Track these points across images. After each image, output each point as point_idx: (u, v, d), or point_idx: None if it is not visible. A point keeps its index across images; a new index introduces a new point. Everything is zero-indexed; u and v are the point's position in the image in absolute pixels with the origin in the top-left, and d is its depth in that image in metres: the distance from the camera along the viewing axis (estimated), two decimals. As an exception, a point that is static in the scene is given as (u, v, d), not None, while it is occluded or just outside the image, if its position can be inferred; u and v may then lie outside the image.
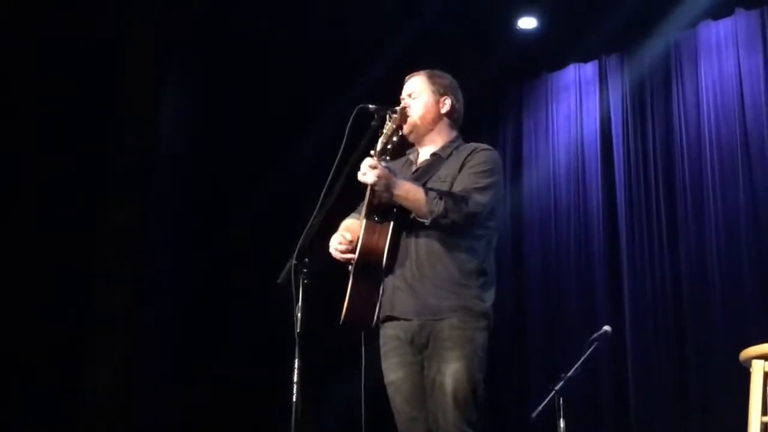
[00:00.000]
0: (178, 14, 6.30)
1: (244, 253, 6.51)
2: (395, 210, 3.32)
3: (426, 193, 3.24)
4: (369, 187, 3.26)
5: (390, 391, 3.35)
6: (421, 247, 3.30)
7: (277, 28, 6.52)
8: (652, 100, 6.32)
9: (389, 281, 3.33)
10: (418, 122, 3.47)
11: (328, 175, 3.16)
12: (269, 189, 6.58)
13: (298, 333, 3.00)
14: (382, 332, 3.39)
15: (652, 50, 6.31)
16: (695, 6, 5.99)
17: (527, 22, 6.61)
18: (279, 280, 3.10)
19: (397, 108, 3.37)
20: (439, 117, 3.52)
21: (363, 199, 3.49)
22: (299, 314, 3.01)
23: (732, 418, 3.93)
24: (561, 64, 6.85)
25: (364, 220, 3.29)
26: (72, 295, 5.70)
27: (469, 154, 3.41)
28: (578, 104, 6.69)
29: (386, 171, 3.21)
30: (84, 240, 5.81)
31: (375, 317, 3.35)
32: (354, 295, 3.31)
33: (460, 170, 3.37)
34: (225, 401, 6.37)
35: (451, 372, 3.19)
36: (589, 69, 6.73)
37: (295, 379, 2.95)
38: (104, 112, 6.03)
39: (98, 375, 5.73)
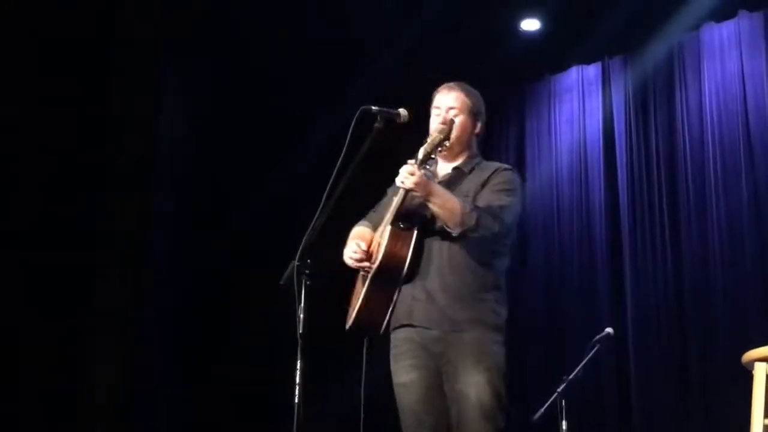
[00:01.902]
0: (178, 14, 6.29)
1: (244, 253, 6.50)
2: (420, 218, 3.34)
3: (461, 205, 3.26)
4: (401, 194, 3.27)
5: (400, 392, 3.36)
6: (443, 258, 3.32)
7: (277, 28, 6.51)
8: (655, 102, 6.32)
9: (406, 290, 3.34)
10: (454, 141, 3.48)
11: (329, 176, 3.15)
12: (269, 189, 6.57)
13: (300, 334, 2.99)
14: (393, 335, 3.40)
15: (655, 52, 6.30)
16: (698, 8, 5.98)
17: (530, 24, 6.61)
18: (281, 282, 3.09)
19: (442, 123, 3.41)
20: (472, 137, 3.56)
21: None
22: (302, 315, 3.01)
23: (734, 420, 3.92)
24: (564, 66, 6.85)
25: (389, 227, 3.30)
26: (72, 295, 5.69)
27: (492, 173, 3.46)
28: (581, 106, 6.69)
29: (425, 178, 3.23)
30: (84, 240, 5.80)
31: (384, 325, 3.37)
32: (367, 301, 3.33)
33: (482, 186, 3.41)
34: (225, 401, 6.36)
35: (477, 385, 3.22)
36: (592, 71, 6.72)
37: (298, 379, 2.95)
38: (104, 112, 6.02)
39: (98, 375, 5.72)
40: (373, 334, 3.36)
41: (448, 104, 3.52)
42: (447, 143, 3.32)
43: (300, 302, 3.01)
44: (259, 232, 6.51)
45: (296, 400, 2.93)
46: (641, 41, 6.35)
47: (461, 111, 3.51)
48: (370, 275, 3.32)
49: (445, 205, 3.25)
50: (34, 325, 5.48)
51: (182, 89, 6.49)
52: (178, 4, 6.28)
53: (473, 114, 3.53)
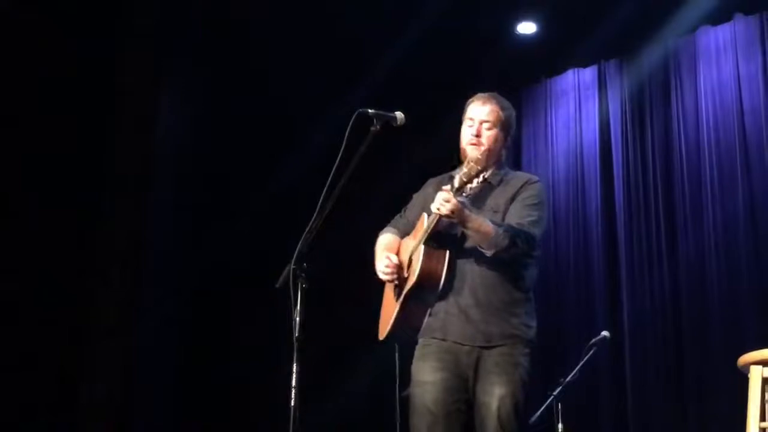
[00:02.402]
0: (178, 14, 6.29)
1: (243, 253, 6.50)
2: (452, 237, 3.38)
3: (494, 229, 3.29)
4: (434, 217, 3.31)
5: (418, 391, 3.38)
6: (475, 275, 3.37)
7: (276, 29, 6.52)
8: (651, 106, 6.33)
9: (440, 306, 3.39)
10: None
11: (328, 177, 3.15)
12: (269, 192, 6.57)
13: (296, 337, 2.99)
14: (422, 339, 3.44)
15: (651, 55, 6.31)
16: (694, 11, 5.99)
17: (526, 27, 6.61)
18: (278, 285, 3.10)
19: (477, 136, 3.45)
20: (501, 151, 3.57)
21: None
22: (298, 318, 3.01)
23: (730, 424, 3.93)
24: (560, 69, 6.85)
25: (422, 246, 3.34)
26: (72, 295, 5.69)
27: (521, 186, 3.48)
28: (577, 109, 6.69)
29: (460, 206, 3.26)
30: (84, 242, 5.81)
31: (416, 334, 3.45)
32: (403, 316, 3.41)
33: (511, 200, 3.45)
34: (223, 402, 6.37)
35: (501, 399, 3.27)
36: (588, 74, 6.73)
37: (293, 383, 2.95)
38: (104, 113, 6.02)
39: (98, 375, 5.72)
40: (403, 342, 3.47)
41: (481, 117, 3.51)
42: (485, 175, 3.37)
43: (296, 306, 3.02)
44: (258, 233, 6.51)
45: (292, 403, 2.94)
46: (637, 44, 6.36)
47: (494, 125, 3.51)
48: (405, 291, 3.39)
49: (479, 230, 3.29)
50: (34, 325, 5.49)
51: (182, 89, 6.49)
52: (178, 4, 6.28)
53: (506, 128, 3.54)
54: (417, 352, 3.44)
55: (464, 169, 3.29)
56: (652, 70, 6.33)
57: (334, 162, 3.17)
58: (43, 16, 5.76)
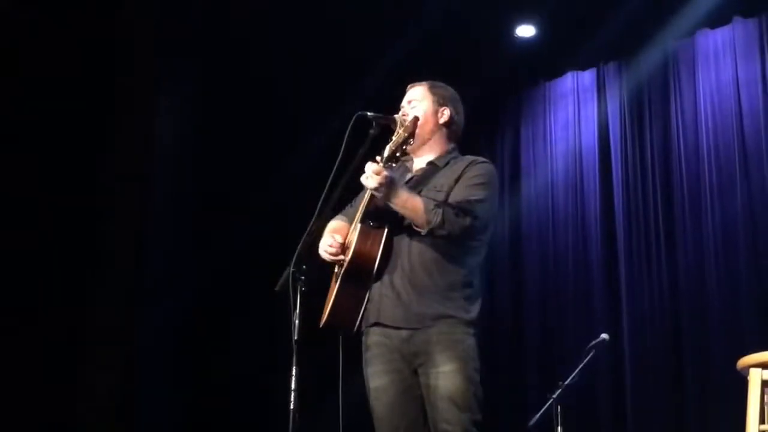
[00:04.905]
0: (178, 14, 6.30)
1: (243, 256, 6.50)
2: (390, 216, 3.30)
3: (424, 204, 3.23)
4: (368, 192, 3.25)
5: (372, 398, 3.32)
6: (413, 256, 3.29)
7: (277, 29, 6.52)
8: (650, 109, 6.33)
9: (376, 288, 3.31)
10: (417, 131, 3.44)
11: (327, 180, 3.15)
12: (269, 194, 6.58)
13: (295, 340, 2.99)
14: (365, 339, 3.36)
15: (650, 58, 6.31)
16: (693, 14, 5.99)
17: (525, 30, 6.61)
18: (277, 288, 3.10)
19: (402, 116, 3.39)
20: (437, 127, 3.51)
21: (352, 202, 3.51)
22: (297, 321, 3.01)
23: (730, 426, 3.93)
24: (559, 72, 6.86)
25: (359, 224, 3.27)
26: (72, 295, 5.69)
27: (467, 166, 3.41)
28: (576, 112, 6.69)
29: (389, 178, 3.18)
30: (84, 242, 5.80)
31: (358, 323, 3.35)
32: (340, 299, 3.30)
33: (456, 181, 3.37)
34: (223, 405, 6.37)
35: (446, 375, 3.18)
36: (587, 77, 6.73)
37: (293, 386, 2.95)
38: (103, 114, 6.02)
39: (97, 376, 5.71)
40: (347, 331, 3.34)
41: (408, 98, 3.53)
42: (412, 141, 3.24)
43: (295, 309, 3.02)
44: (258, 235, 6.51)
45: (291, 406, 2.93)
46: (636, 47, 6.35)
47: (421, 101, 3.50)
48: (341, 273, 3.29)
49: (406, 205, 3.22)
50: (34, 325, 5.48)
51: (181, 92, 6.49)
52: (178, 4, 6.29)
53: (436, 103, 3.51)
54: (364, 355, 3.36)
55: (392, 138, 3.23)
56: (651, 73, 6.33)
57: (334, 164, 3.17)
58: (43, 16, 5.75)
